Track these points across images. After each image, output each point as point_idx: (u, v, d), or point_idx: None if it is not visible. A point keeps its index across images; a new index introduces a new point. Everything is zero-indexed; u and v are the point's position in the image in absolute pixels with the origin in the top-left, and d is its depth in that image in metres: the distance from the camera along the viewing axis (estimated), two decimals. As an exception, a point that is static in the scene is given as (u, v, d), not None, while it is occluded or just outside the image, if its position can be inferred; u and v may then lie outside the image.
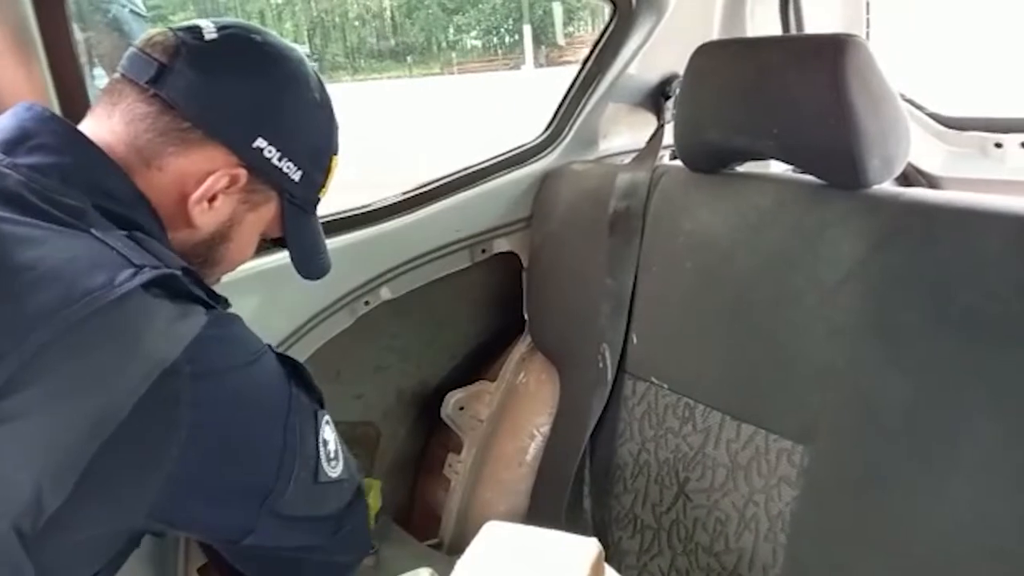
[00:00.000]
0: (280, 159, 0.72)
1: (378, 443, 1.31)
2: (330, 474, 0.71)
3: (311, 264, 0.84)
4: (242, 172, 0.70)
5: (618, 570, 1.04)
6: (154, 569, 1.00)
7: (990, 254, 0.73)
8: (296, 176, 0.74)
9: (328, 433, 0.72)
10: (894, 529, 0.76)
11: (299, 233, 0.80)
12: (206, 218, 0.71)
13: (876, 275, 0.80)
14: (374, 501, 1.07)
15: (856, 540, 0.79)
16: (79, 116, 0.69)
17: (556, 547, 0.83)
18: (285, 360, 0.70)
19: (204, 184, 0.68)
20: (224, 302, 0.68)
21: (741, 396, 0.92)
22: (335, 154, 0.79)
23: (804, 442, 0.85)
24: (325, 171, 0.79)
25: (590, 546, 0.83)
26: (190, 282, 0.61)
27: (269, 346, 0.69)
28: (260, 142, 0.70)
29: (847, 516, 0.80)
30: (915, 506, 0.75)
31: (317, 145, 0.76)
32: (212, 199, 0.70)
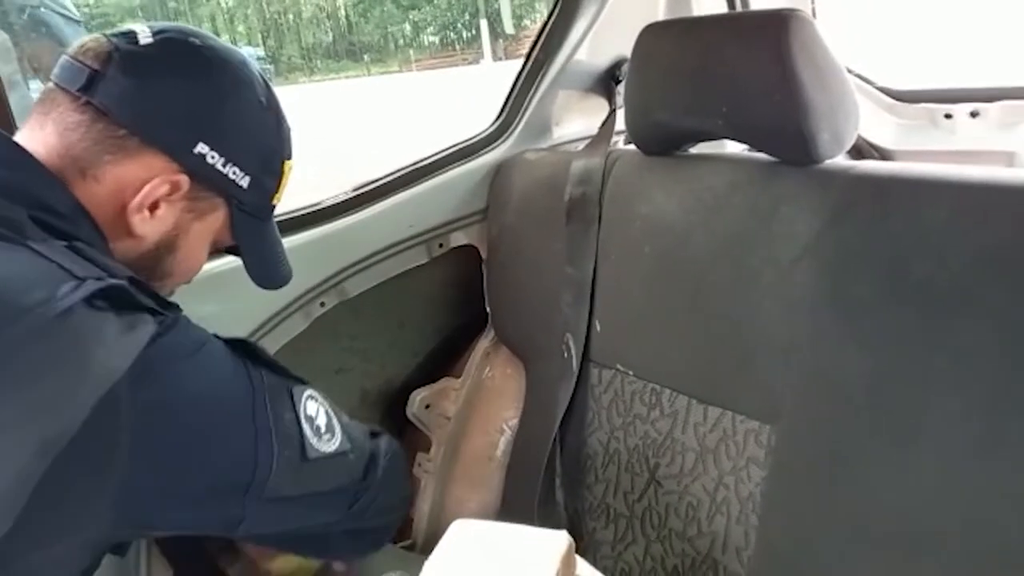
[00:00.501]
0: (224, 165, 0.70)
1: None
2: (323, 449, 0.70)
3: (269, 273, 0.82)
4: (183, 179, 0.68)
5: (593, 561, 1.03)
6: None
7: (941, 224, 0.73)
8: (244, 182, 0.71)
9: (313, 408, 0.71)
10: (863, 504, 0.76)
11: (252, 241, 0.78)
12: (148, 227, 0.69)
13: (831, 250, 0.80)
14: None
15: (826, 517, 0.79)
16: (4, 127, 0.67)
17: (525, 542, 0.82)
18: (236, 344, 0.68)
19: (142, 192, 0.66)
20: (174, 309, 0.66)
21: (706, 379, 0.92)
22: (287, 158, 0.77)
23: (770, 422, 0.84)
24: (276, 176, 0.76)
25: (560, 539, 0.82)
26: (137, 291, 0.59)
27: (216, 335, 0.66)
28: (201, 147, 0.68)
29: (816, 493, 0.80)
30: (882, 480, 0.75)
31: (265, 149, 0.74)
32: (154, 208, 0.68)
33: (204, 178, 0.69)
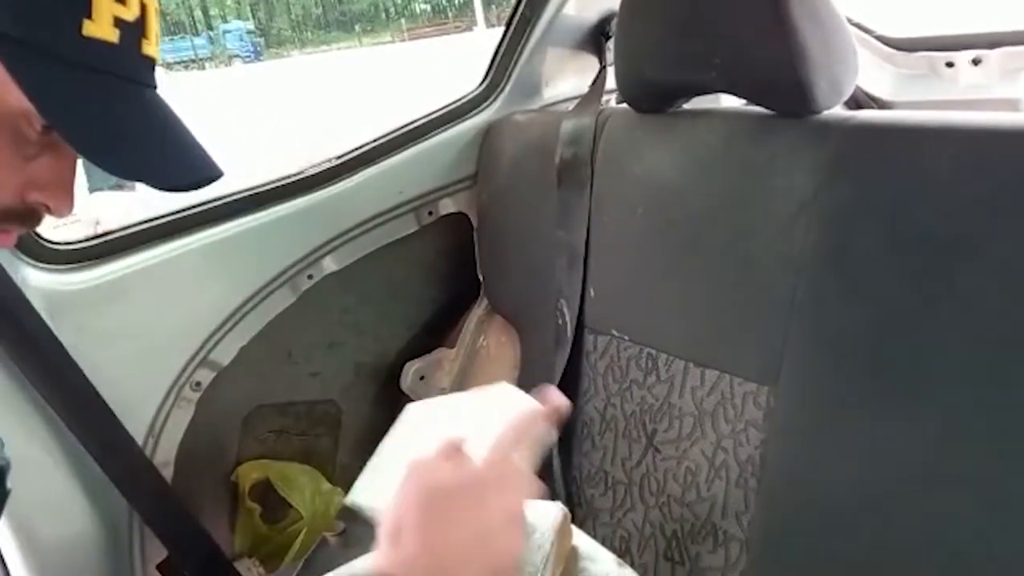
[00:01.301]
0: None
1: (340, 421, 1.27)
2: None
3: (126, 157, 0.52)
4: None
5: (592, 528, 1.02)
6: (108, 566, 0.96)
7: (943, 172, 0.70)
8: None
9: None
10: (864, 463, 0.74)
11: (57, 100, 0.47)
12: None
13: (830, 204, 0.77)
14: None
15: (826, 478, 0.77)
16: None
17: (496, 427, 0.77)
18: None
19: None
20: None
21: (703, 341, 0.89)
22: None
23: (769, 383, 0.82)
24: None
25: (554, 511, 0.80)
26: None
27: None
28: None
29: (816, 454, 0.78)
30: (884, 437, 0.73)
31: None
32: None
33: None
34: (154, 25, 0.53)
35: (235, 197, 1.02)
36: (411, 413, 0.82)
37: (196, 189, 0.55)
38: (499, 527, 0.57)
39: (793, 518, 0.80)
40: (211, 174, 0.56)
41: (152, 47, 0.53)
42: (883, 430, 0.73)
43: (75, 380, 0.87)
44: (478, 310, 1.25)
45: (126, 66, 0.51)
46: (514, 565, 0.57)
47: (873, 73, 1.41)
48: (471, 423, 0.74)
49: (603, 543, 0.99)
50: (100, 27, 0.48)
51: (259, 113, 12.13)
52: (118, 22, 0.49)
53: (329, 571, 0.94)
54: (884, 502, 0.73)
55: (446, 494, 0.56)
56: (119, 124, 0.51)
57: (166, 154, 0.54)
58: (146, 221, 0.99)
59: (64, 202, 0.54)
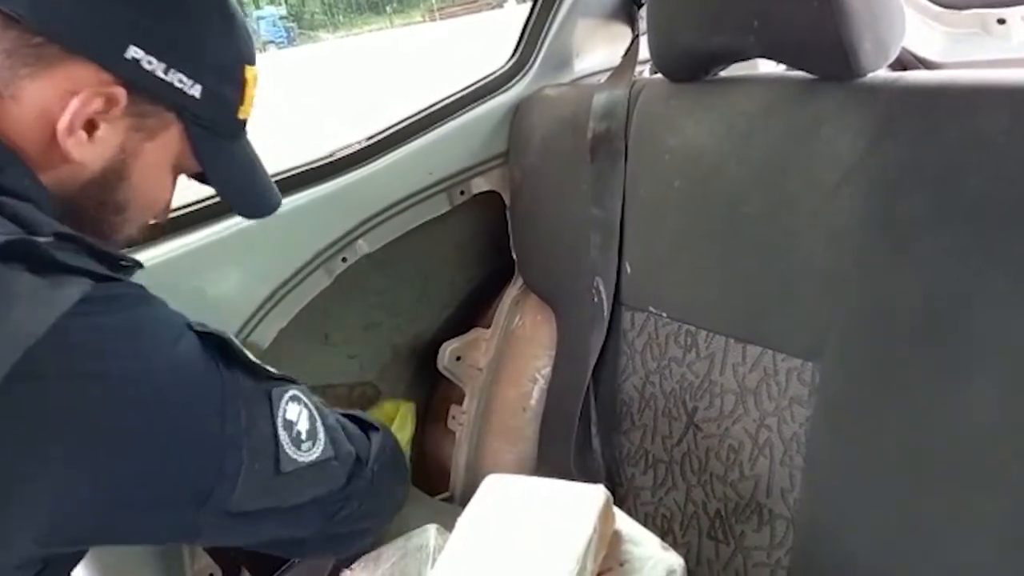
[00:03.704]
0: (167, 72, 0.60)
1: (379, 402, 1.27)
2: (302, 459, 0.63)
3: (247, 199, 0.74)
4: (118, 90, 0.59)
5: (634, 507, 1.01)
6: (161, 551, 0.98)
7: (998, 133, 0.66)
8: (194, 91, 0.62)
9: (294, 411, 0.64)
10: (915, 439, 0.72)
11: (219, 162, 0.69)
12: (87, 152, 0.60)
13: (877, 170, 0.73)
14: (404, 424, 1.04)
15: (877, 455, 0.75)
16: None
17: (561, 498, 0.80)
18: (210, 338, 0.61)
19: (69, 109, 0.57)
20: (131, 269, 0.61)
21: (744, 317, 0.87)
22: (247, 63, 0.68)
23: (813, 358, 0.80)
24: (237, 85, 0.66)
25: (597, 494, 0.79)
26: (71, 249, 0.52)
27: (189, 325, 0.60)
28: (135, 52, 0.58)
29: (865, 431, 0.76)
30: (937, 413, 0.70)
31: (217, 52, 0.64)
32: (91, 128, 0.59)
33: (144, 88, 0.60)
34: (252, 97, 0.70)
35: None
36: (490, 485, 0.83)
37: (268, 214, 0.77)
38: None
39: (842, 497, 0.78)
40: (277, 200, 0.77)
41: (246, 111, 0.70)
42: (935, 405, 0.70)
43: None
44: (513, 289, 1.24)
45: (239, 129, 0.70)
46: None
47: (920, 33, 1.35)
48: (544, 513, 0.77)
49: (645, 522, 0.98)
50: (246, 110, 0.69)
51: (301, 99, 12.24)
52: (252, 100, 0.69)
53: (371, 550, 0.95)
54: (934, 479, 0.71)
55: None
56: (239, 173, 0.72)
57: (259, 190, 0.75)
58: (180, 208, 1.00)
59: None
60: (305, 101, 11.66)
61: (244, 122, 0.69)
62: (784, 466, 0.83)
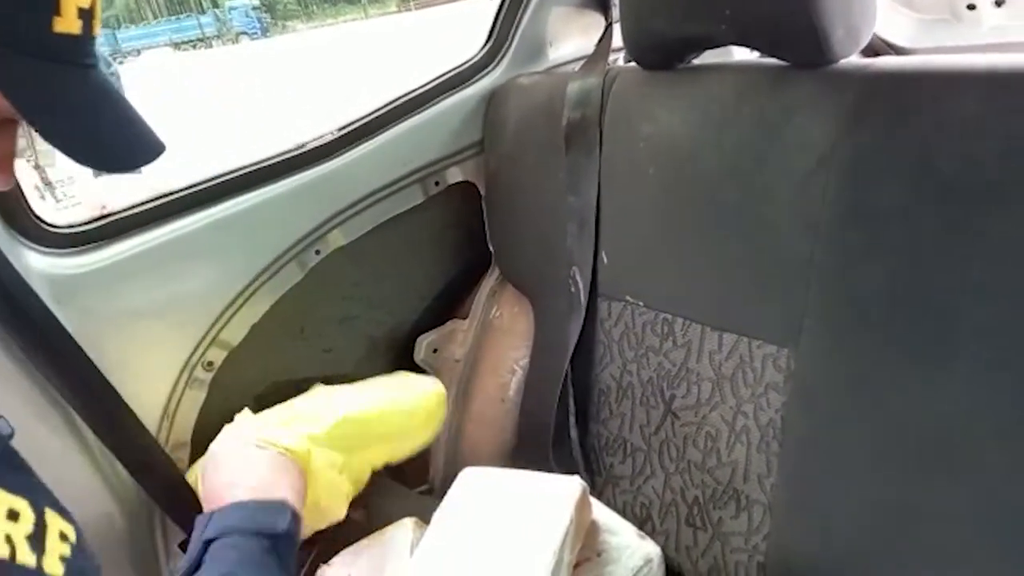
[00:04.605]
0: None
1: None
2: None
3: (87, 143, 0.55)
4: None
5: (612, 496, 1.01)
6: (132, 546, 0.97)
7: (969, 118, 0.67)
8: None
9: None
10: (890, 423, 0.72)
11: (32, 92, 0.51)
12: None
13: (850, 157, 0.74)
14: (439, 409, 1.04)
15: (851, 439, 0.76)
16: None
17: (538, 490, 0.80)
18: None
19: None
20: None
21: (720, 304, 0.87)
22: None
23: (788, 345, 0.80)
24: None
25: (573, 485, 0.79)
26: None
27: None
28: None
29: (839, 416, 0.76)
30: (911, 398, 0.71)
31: None
32: None
33: None
34: (99, 4, 0.54)
35: (237, 174, 1.00)
36: (467, 478, 0.83)
37: (136, 167, 0.58)
38: None
39: (818, 481, 0.79)
40: (151, 151, 0.58)
41: (99, 26, 0.54)
42: (907, 390, 0.71)
43: (83, 367, 0.87)
44: (490, 280, 1.23)
45: (83, 52, 0.53)
46: None
47: (891, 19, 1.36)
48: (520, 506, 0.77)
49: (624, 510, 0.99)
50: (67, 22, 0.51)
51: (271, 91, 12.09)
52: (80, 13, 0.51)
53: (350, 544, 0.94)
54: (909, 462, 0.71)
55: None
56: (77, 112, 0.54)
57: (105, 134, 0.56)
58: (149, 201, 0.98)
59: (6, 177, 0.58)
60: (280, 94, 11.53)
61: (76, 40, 0.52)
62: (761, 452, 0.84)
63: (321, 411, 0.92)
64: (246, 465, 0.80)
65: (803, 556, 0.80)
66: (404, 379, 1.06)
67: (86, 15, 0.52)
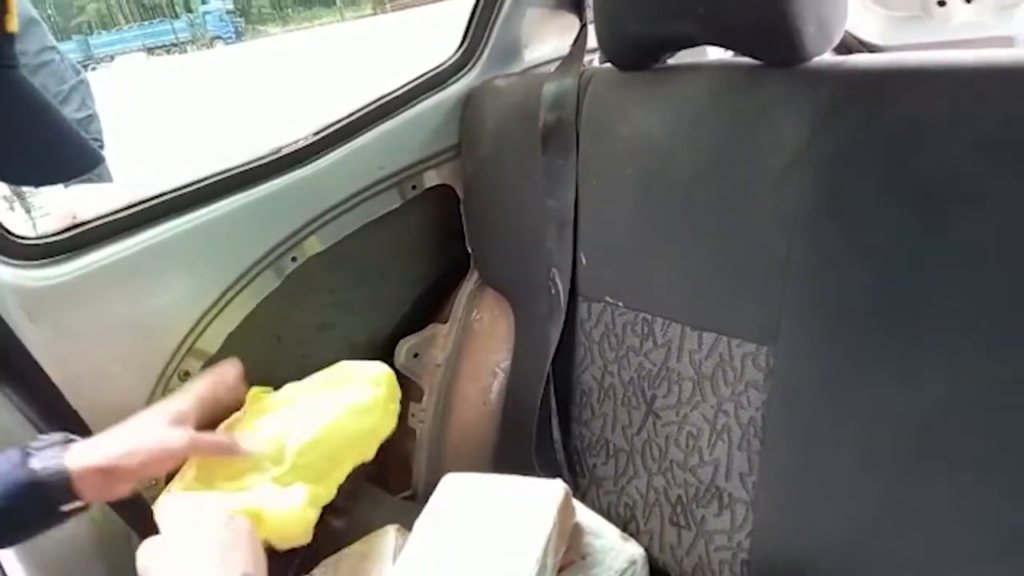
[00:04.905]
0: None
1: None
2: None
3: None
4: None
5: (596, 497, 1.01)
6: (111, 560, 0.96)
7: (940, 115, 0.67)
8: None
9: None
10: (869, 419, 0.73)
11: None
12: None
13: (824, 154, 0.74)
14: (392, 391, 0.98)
15: (831, 435, 0.76)
16: None
17: (520, 495, 0.79)
18: None
19: None
20: None
21: (699, 304, 0.87)
22: None
23: (767, 343, 0.80)
24: None
25: (555, 489, 0.79)
26: None
27: None
28: None
29: (819, 413, 0.77)
30: (889, 391, 0.71)
31: None
32: None
33: None
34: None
35: (210, 181, 0.99)
36: (448, 484, 0.82)
37: (59, 179, 0.53)
38: None
39: (800, 476, 0.79)
40: (83, 163, 0.52)
41: (14, 22, 0.49)
42: (886, 384, 0.71)
43: (43, 385, 0.85)
44: (469, 284, 1.23)
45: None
46: None
47: (863, 16, 1.37)
48: (503, 510, 0.76)
49: (608, 511, 0.99)
50: None
51: (246, 96, 11.99)
52: None
53: (332, 553, 0.93)
54: (889, 457, 0.72)
55: None
56: None
57: (27, 143, 0.51)
58: (121, 210, 0.96)
59: None
60: (255, 99, 11.44)
61: (9, 37, 0.49)
62: (742, 450, 0.84)
63: (274, 447, 0.84)
64: (197, 557, 0.71)
65: (786, 553, 0.81)
66: (345, 371, 0.98)
67: None
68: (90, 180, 1.21)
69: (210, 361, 1.02)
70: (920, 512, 0.70)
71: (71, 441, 0.75)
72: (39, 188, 0.70)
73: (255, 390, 0.93)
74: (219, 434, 0.84)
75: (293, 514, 0.81)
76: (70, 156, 0.54)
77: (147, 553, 0.71)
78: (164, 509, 0.78)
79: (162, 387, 0.98)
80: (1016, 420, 0.64)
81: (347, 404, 0.90)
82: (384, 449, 1.32)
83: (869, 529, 0.74)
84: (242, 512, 0.77)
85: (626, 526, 0.96)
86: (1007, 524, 0.65)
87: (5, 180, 0.54)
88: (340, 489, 1.21)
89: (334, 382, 0.95)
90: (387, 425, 0.95)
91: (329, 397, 0.91)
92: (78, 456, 0.72)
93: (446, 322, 1.23)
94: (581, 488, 1.03)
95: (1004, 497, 0.65)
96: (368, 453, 0.92)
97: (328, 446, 0.86)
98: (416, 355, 1.22)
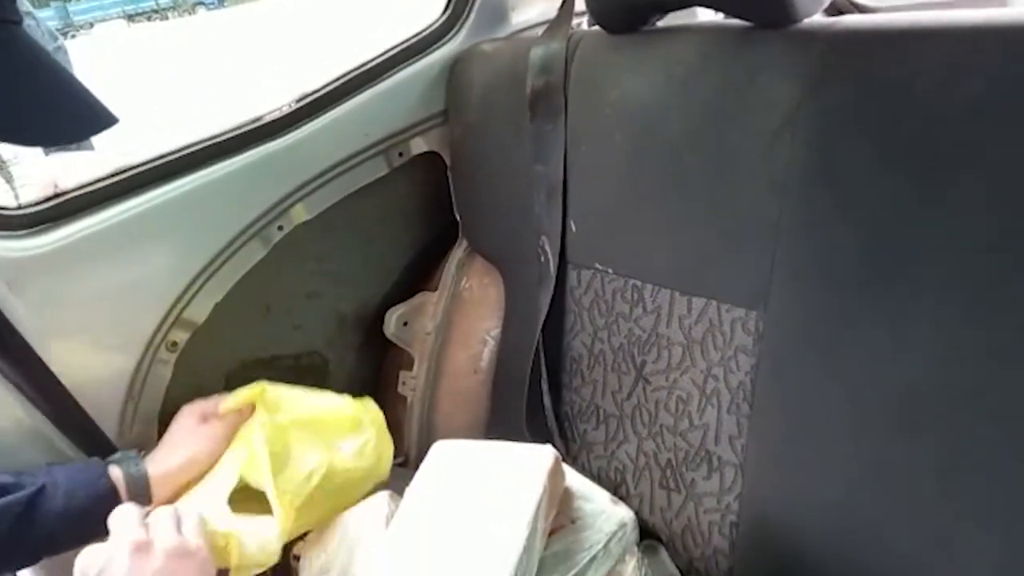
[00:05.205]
0: None
1: (327, 372, 1.25)
2: None
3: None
4: None
5: (587, 462, 1.02)
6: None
7: (934, 75, 0.66)
8: None
9: None
10: (858, 383, 0.73)
11: None
12: None
13: (816, 117, 0.73)
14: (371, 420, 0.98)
15: (820, 399, 0.76)
16: None
17: (510, 461, 0.80)
18: None
19: None
20: None
21: (689, 269, 0.87)
22: None
23: (757, 308, 0.80)
24: None
25: (545, 454, 0.79)
26: None
27: None
28: None
29: (808, 377, 0.77)
30: (877, 356, 0.71)
31: None
32: None
33: None
34: None
35: (194, 149, 0.97)
36: (439, 451, 0.82)
37: (74, 139, 0.53)
38: None
39: (789, 440, 0.80)
40: (93, 122, 0.50)
41: None
42: (875, 349, 0.72)
43: (28, 358, 0.85)
44: (458, 251, 1.22)
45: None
46: None
47: (854, -23, 1.35)
48: (493, 476, 0.77)
49: (598, 475, 1.00)
50: None
51: (231, 63, 11.79)
52: None
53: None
54: (878, 420, 0.72)
55: None
56: None
57: (44, 100, 0.49)
58: (104, 178, 0.94)
59: None
60: (240, 66, 11.25)
61: None
62: (731, 414, 0.84)
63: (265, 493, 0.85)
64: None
65: (775, 514, 0.82)
66: (337, 409, 0.97)
67: None
68: (70, 149, 1.19)
69: (198, 332, 1.02)
70: (907, 475, 0.71)
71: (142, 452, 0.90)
72: (47, 151, 0.69)
73: (260, 386, 0.93)
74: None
75: (263, 547, 0.82)
76: (83, 114, 0.52)
77: (83, 560, 0.71)
78: (115, 518, 0.74)
79: (149, 358, 0.98)
80: (1003, 385, 0.65)
81: (340, 457, 0.91)
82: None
83: (857, 491, 0.75)
84: (216, 532, 0.79)
85: (616, 490, 0.97)
86: (993, 486, 0.66)
87: (17, 141, 0.51)
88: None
89: (328, 423, 0.95)
90: (380, 470, 0.96)
91: (323, 444, 0.91)
92: (154, 462, 0.88)
93: (435, 290, 1.23)
94: (572, 453, 1.03)
95: (990, 460, 0.66)
96: (359, 497, 0.92)
97: (319, 498, 0.87)
98: (406, 323, 1.22)
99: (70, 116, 0.51)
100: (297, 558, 0.92)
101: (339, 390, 1.26)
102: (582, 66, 0.97)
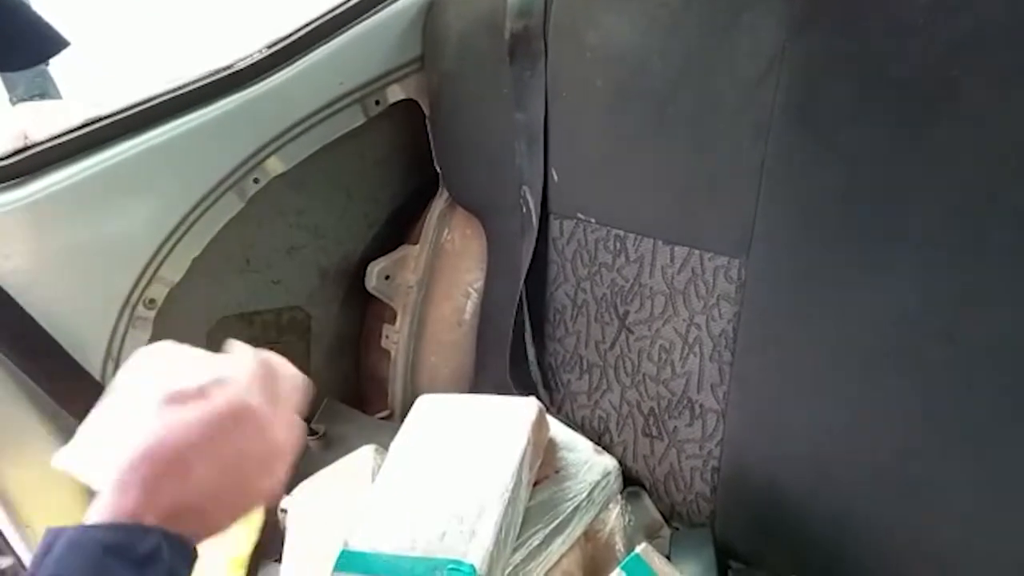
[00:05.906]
0: None
1: (310, 327, 1.24)
2: None
3: None
4: None
5: (571, 411, 1.03)
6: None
7: (920, 14, 0.65)
8: None
9: None
10: (840, 326, 0.73)
11: None
12: None
13: (799, 60, 0.72)
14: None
15: (802, 344, 0.77)
16: None
17: (494, 413, 0.80)
18: None
19: None
20: None
21: (671, 218, 0.86)
22: None
23: (739, 255, 0.80)
24: None
25: (529, 406, 0.79)
26: None
27: None
28: None
29: (790, 323, 0.77)
30: (860, 300, 0.72)
31: None
32: None
33: None
34: None
35: (163, 99, 0.94)
36: (422, 405, 0.80)
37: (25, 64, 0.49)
38: (240, 467, 0.49)
39: (771, 386, 0.80)
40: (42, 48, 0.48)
41: None
42: (856, 292, 0.72)
43: (12, 312, 0.83)
44: (439, 203, 1.20)
45: None
46: (269, 496, 0.50)
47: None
48: (477, 429, 0.76)
49: (582, 425, 1.00)
50: None
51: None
52: None
53: (311, 474, 0.94)
54: (858, 364, 0.73)
55: (175, 442, 0.46)
56: None
57: None
58: (73, 130, 0.91)
59: None
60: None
61: None
62: (713, 362, 0.85)
63: None
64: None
65: (756, 459, 0.83)
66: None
67: None
68: (44, 96, 1.15)
69: (177, 288, 1.00)
70: (888, 417, 0.72)
71: None
72: (14, 100, 0.65)
73: None
74: None
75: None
76: (29, 39, 0.50)
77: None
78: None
79: (127, 316, 0.96)
80: (983, 326, 0.65)
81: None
82: (360, 371, 1.33)
83: (838, 434, 0.76)
84: None
85: (600, 438, 0.98)
86: (972, 424, 0.67)
87: None
88: (317, 411, 1.22)
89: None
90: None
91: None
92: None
93: (417, 243, 1.21)
94: (555, 403, 1.04)
95: (970, 399, 0.67)
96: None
97: None
98: (387, 277, 1.20)
99: (23, 39, 0.49)
100: (284, 511, 0.92)
101: (322, 345, 1.26)
102: (562, 9, 0.94)
